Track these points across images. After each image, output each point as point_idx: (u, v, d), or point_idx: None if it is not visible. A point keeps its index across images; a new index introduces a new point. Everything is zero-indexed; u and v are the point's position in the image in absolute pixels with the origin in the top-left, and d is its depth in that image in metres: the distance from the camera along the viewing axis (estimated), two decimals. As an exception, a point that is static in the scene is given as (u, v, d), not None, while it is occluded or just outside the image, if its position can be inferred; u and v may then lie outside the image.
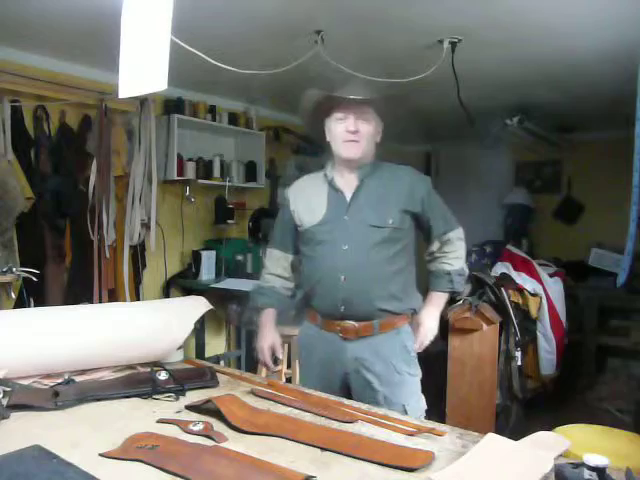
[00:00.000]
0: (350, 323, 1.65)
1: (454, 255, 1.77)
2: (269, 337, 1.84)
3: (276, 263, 1.87)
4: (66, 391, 1.24)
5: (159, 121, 3.44)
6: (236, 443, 1.03)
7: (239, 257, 3.92)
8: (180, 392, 1.30)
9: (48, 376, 1.37)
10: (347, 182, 1.72)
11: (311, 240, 1.73)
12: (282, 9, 2.26)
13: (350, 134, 1.64)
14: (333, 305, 1.66)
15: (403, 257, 1.70)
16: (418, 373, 1.73)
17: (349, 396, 1.63)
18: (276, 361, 1.87)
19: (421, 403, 1.71)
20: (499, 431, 1.11)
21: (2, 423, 1.10)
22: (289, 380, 3.10)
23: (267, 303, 1.88)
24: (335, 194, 1.72)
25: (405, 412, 1.59)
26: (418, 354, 1.76)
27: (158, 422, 1.13)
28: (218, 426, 1.10)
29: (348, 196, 1.70)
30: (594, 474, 0.79)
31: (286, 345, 3.17)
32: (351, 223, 1.67)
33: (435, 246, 1.77)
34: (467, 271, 1.82)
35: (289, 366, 3.17)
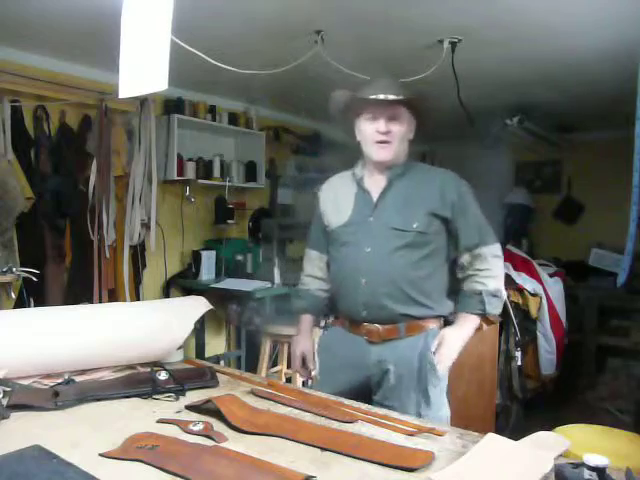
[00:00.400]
0: (374, 326, 1.61)
1: (487, 274, 1.61)
2: (301, 344, 1.82)
3: (312, 264, 1.85)
4: (66, 391, 1.24)
5: (159, 121, 3.44)
6: (236, 443, 1.03)
7: (239, 257, 3.92)
8: (180, 392, 1.30)
9: (48, 376, 1.38)
10: (376, 182, 1.67)
11: (336, 241, 1.70)
12: (282, 9, 2.26)
13: (381, 135, 1.59)
14: (355, 308, 1.63)
15: (430, 263, 1.61)
16: (443, 380, 1.62)
17: (370, 399, 1.58)
18: (307, 368, 1.82)
19: (442, 412, 1.60)
20: (499, 431, 1.10)
21: (2, 423, 1.10)
22: (289, 380, 3.10)
23: (303, 307, 1.86)
24: (363, 194, 1.68)
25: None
26: None
27: (158, 422, 1.13)
28: (218, 426, 1.10)
29: (375, 197, 1.65)
30: (594, 474, 0.80)
31: (285, 345, 3.17)
32: (375, 225, 1.62)
33: (465, 259, 1.64)
34: (504, 293, 1.65)
35: (289, 366, 3.17)
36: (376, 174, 1.67)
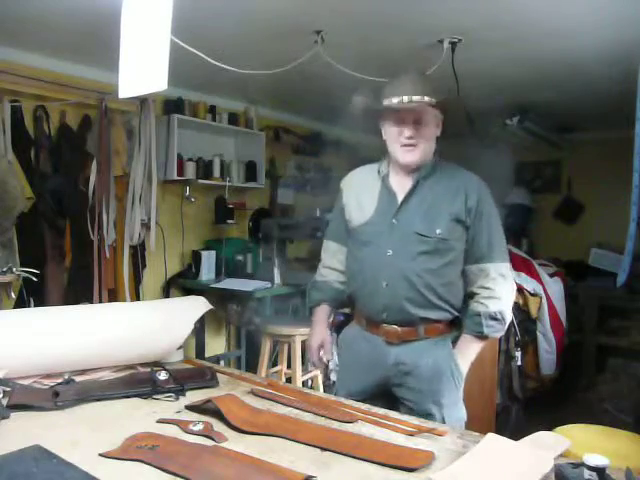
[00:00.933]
0: (393, 327, 1.59)
1: (489, 294, 1.56)
2: (319, 336, 1.79)
3: (332, 256, 1.81)
4: (66, 391, 1.24)
5: (159, 121, 3.44)
6: (236, 443, 1.03)
7: (239, 257, 3.92)
8: (180, 392, 1.30)
9: (48, 376, 1.38)
10: (401, 182, 1.62)
11: (357, 239, 1.67)
12: (282, 9, 2.26)
13: (407, 139, 1.55)
14: (375, 310, 1.61)
15: (452, 269, 1.58)
16: (461, 382, 1.63)
17: (388, 399, 1.60)
18: (323, 360, 1.81)
19: (461, 413, 1.63)
20: (499, 431, 1.10)
21: (2, 423, 1.10)
22: (289, 380, 3.10)
23: (321, 299, 1.82)
24: (387, 193, 1.63)
25: (443, 422, 1.51)
26: None
27: (158, 422, 1.13)
28: (218, 426, 1.10)
29: (400, 198, 1.60)
30: (594, 474, 0.80)
31: (286, 345, 3.17)
32: (398, 228, 1.58)
33: (471, 270, 1.59)
34: (509, 316, 1.60)
35: (289, 366, 3.17)
36: (402, 174, 1.63)
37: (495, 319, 1.57)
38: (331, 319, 1.92)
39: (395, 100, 1.54)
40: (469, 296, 1.62)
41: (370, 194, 1.65)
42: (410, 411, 1.52)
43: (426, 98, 1.53)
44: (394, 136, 1.57)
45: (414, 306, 1.56)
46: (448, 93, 1.63)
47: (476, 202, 1.57)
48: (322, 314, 1.82)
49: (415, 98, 1.52)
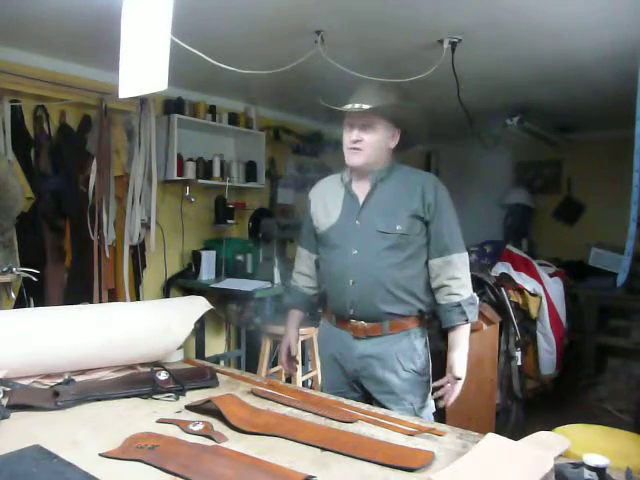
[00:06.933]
0: (360, 323, 1.68)
1: (460, 283, 1.66)
2: (286, 338, 1.94)
3: (302, 261, 1.92)
4: (66, 391, 1.24)
5: (159, 121, 3.44)
6: (236, 443, 1.03)
7: (239, 257, 3.91)
8: (180, 392, 1.30)
9: (48, 376, 1.38)
10: (361, 186, 1.73)
11: (325, 243, 1.77)
12: (282, 9, 2.26)
13: (353, 143, 1.66)
14: (343, 307, 1.70)
15: (414, 263, 1.67)
16: (427, 374, 1.73)
17: (361, 391, 1.72)
18: (293, 359, 1.94)
19: (430, 402, 1.72)
20: (499, 431, 1.11)
21: (2, 423, 1.10)
22: (289, 380, 3.10)
23: (290, 303, 1.97)
24: (350, 198, 1.74)
25: (413, 410, 1.64)
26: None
27: (158, 422, 1.13)
28: (218, 426, 1.10)
29: (361, 200, 1.71)
30: (594, 474, 0.80)
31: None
32: (362, 228, 1.68)
33: (436, 263, 1.66)
34: (477, 298, 1.71)
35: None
36: (361, 178, 1.73)
37: (472, 304, 1.68)
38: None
39: (348, 106, 1.65)
40: (437, 289, 1.69)
41: (335, 200, 1.76)
42: (380, 405, 1.61)
43: (369, 108, 1.61)
44: (345, 141, 1.69)
45: (379, 301, 1.64)
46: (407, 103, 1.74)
47: (434, 198, 1.66)
48: (293, 319, 1.96)
49: (364, 106, 1.62)
